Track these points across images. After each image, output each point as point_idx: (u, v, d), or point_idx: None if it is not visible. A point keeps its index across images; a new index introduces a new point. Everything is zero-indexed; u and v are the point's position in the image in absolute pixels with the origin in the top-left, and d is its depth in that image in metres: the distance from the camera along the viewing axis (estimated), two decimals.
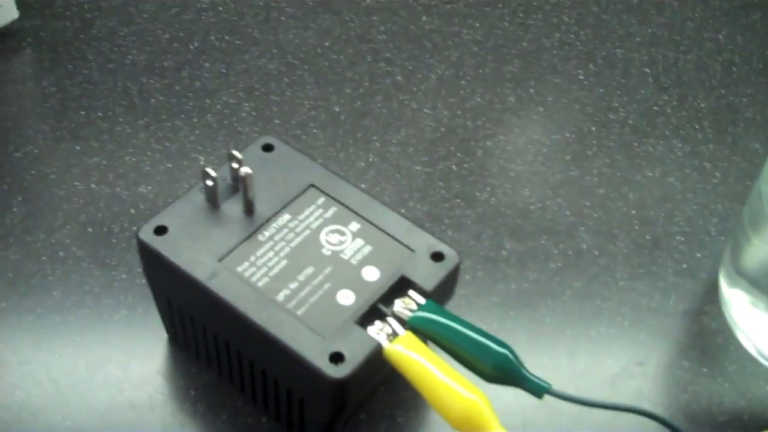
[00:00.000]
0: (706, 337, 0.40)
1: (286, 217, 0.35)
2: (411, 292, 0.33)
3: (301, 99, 0.49)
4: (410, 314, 0.33)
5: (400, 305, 0.33)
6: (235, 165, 0.35)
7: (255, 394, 0.35)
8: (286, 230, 0.34)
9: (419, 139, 0.47)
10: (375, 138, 0.47)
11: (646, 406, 0.37)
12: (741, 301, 0.38)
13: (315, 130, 0.47)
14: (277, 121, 0.47)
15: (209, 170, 0.34)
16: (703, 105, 0.50)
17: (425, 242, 0.35)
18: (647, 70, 0.52)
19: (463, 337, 0.32)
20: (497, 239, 0.43)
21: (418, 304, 0.33)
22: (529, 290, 0.41)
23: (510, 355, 0.31)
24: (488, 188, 0.45)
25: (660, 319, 0.40)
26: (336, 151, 0.46)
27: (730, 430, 0.37)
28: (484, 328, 0.38)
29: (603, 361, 0.39)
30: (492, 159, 0.47)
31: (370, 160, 0.46)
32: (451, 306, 0.38)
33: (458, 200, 0.44)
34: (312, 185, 0.36)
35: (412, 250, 0.34)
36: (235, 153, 0.35)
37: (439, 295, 0.34)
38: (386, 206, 0.36)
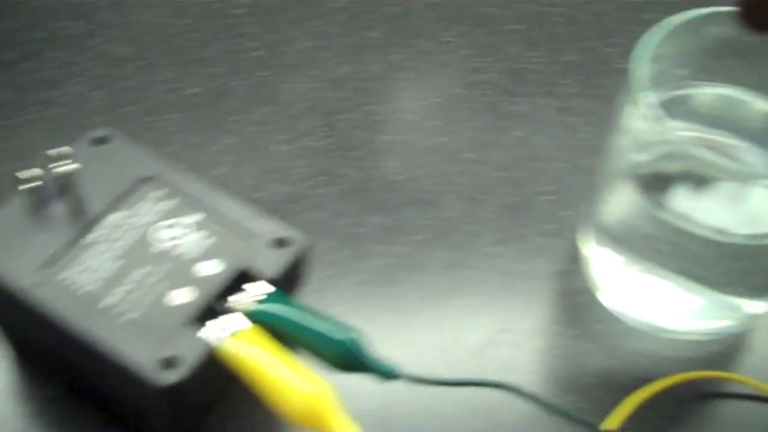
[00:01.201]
0: (573, 298, 0.39)
1: (118, 215, 0.33)
2: (255, 284, 0.32)
3: (155, 83, 0.46)
4: (253, 307, 0.31)
5: (243, 298, 0.32)
6: (60, 162, 0.33)
7: (100, 406, 0.34)
8: (118, 229, 0.33)
9: (281, 116, 0.46)
10: (234, 119, 0.45)
11: (513, 375, 0.37)
12: (601, 259, 0.38)
13: (170, 115, 0.45)
14: (129, 108, 0.45)
15: (28, 172, 0.32)
16: (572, 59, 0.49)
17: (270, 228, 0.33)
18: (516, 27, 0.51)
19: (305, 328, 0.31)
20: (362, 215, 0.42)
21: (263, 295, 0.32)
22: (395, 265, 0.40)
23: (350, 343, 0.30)
24: (353, 162, 0.44)
25: (526, 283, 0.39)
26: (192, 136, 0.44)
27: (600, 392, 0.36)
28: (346, 309, 0.37)
29: (468, 333, 0.38)
30: (357, 131, 0.45)
31: (228, 142, 0.44)
32: (312, 289, 0.37)
33: (321, 177, 0.43)
34: (149, 178, 0.34)
35: (256, 239, 0.33)
36: (56, 151, 0.33)
37: (287, 283, 0.33)
38: (229, 195, 0.34)
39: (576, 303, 0.39)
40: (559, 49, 0.49)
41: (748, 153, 0.37)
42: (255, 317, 0.31)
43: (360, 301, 0.39)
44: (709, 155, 0.31)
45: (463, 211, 0.42)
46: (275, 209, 0.41)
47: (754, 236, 0.33)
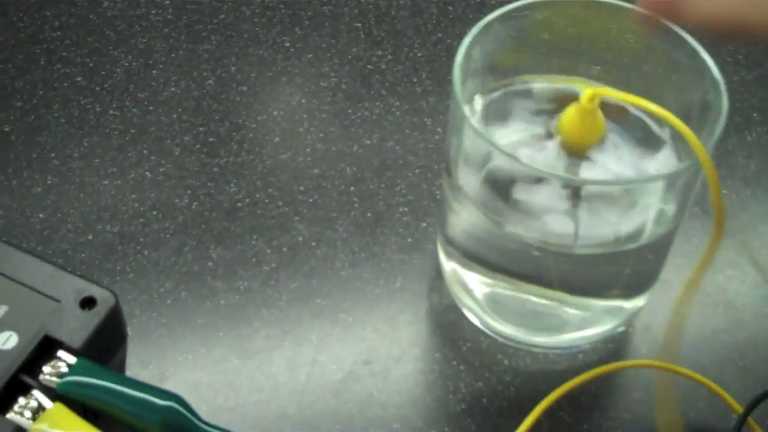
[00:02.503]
0: (437, 317, 0.36)
1: None
2: (60, 353, 0.28)
3: None
4: (58, 381, 0.27)
5: (47, 371, 0.28)
6: None
7: None
8: None
9: (106, 148, 0.41)
10: (53, 155, 0.41)
11: (377, 409, 0.33)
12: (458, 272, 0.35)
13: None
14: None
15: None
16: (420, 54, 0.46)
17: (73, 287, 0.29)
18: (358, 24, 0.47)
19: (122, 397, 0.27)
20: (202, 249, 0.38)
21: (69, 366, 0.28)
22: (240, 302, 0.36)
23: (178, 406, 0.27)
24: (189, 191, 0.40)
25: (386, 306, 0.36)
26: (7, 179, 0.40)
27: (468, 419, 0.34)
28: (187, 359, 0.33)
29: (327, 368, 0.35)
30: (191, 156, 0.41)
31: (49, 182, 0.40)
32: (138, 344, 0.33)
33: (155, 212, 0.39)
34: None
35: (58, 301, 0.29)
36: None
37: (97, 348, 0.29)
38: (23, 251, 0.30)
39: (441, 322, 0.36)
40: (404, 44, 0.46)
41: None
42: (62, 392, 0.27)
43: (204, 347, 0.35)
44: (533, 167, 0.28)
45: (313, 233, 0.39)
46: (106, 253, 0.37)
47: (598, 245, 0.30)
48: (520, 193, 0.30)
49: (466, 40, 0.31)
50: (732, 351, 0.36)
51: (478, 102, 0.33)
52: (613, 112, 0.32)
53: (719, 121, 0.29)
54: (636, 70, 0.33)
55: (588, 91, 0.30)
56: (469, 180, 0.31)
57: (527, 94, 0.34)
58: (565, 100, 0.33)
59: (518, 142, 0.33)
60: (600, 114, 0.31)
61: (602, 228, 0.30)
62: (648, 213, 0.30)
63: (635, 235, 0.30)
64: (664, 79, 0.32)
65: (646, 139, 0.33)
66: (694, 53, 0.30)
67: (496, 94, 0.34)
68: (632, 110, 0.33)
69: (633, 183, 0.30)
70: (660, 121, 0.33)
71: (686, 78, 0.31)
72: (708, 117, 0.30)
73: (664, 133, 0.33)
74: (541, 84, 0.34)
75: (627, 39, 0.32)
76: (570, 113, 0.31)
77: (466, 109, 0.29)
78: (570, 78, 0.34)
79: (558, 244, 0.30)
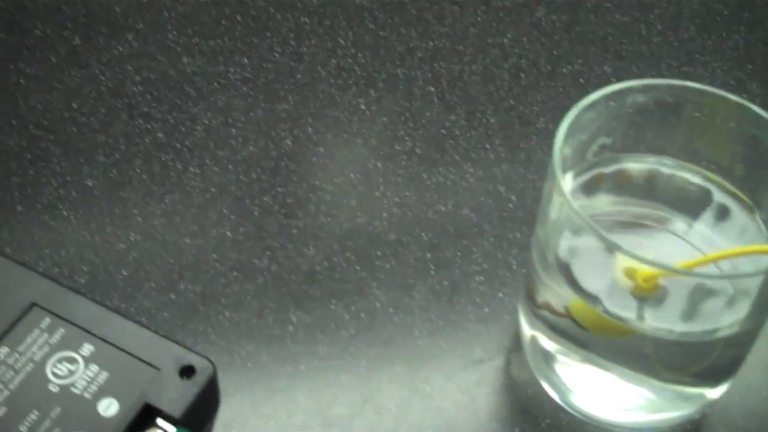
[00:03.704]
0: (516, 390, 0.36)
1: (2, 351, 0.29)
2: (159, 421, 0.28)
3: (48, 176, 0.42)
4: None
5: None
6: None
7: None
8: (3, 368, 0.29)
9: (187, 206, 0.42)
10: (136, 212, 0.42)
11: None
12: (542, 345, 0.35)
13: (65, 212, 0.41)
14: (19, 208, 0.41)
15: None
16: (492, 120, 0.47)
17: (172, 355, 0.30)
18: (431, 89, 0.48)
19: None
20: (282, 312, 0.38)
21: None
22: (320, 368, 0.37)
23: None
24: (268, 252, 0.40)
25: (464, 378, 0.37)
26: (90, 235, 0.40)
27: None
28: (271, 423, 0.33)
29: None
30: (271, 217, 0.42)
31: (132, 239, 0.40)
32: (221, 407, 0.34)
33: (235, 273, 0.40)
34: (34, 304, 0.31)
35: (157, 369, 0.29)
36: None
37: (195, 417, 0.29)
38: (123, 317, 0.31)
39: (521, 397, 0.36)
40: (477, 110, 0.47)
41: (679, 224, 0.35)
42: None
43: (285, 414, 0.35)
44: (634, 254, 0.28)
45: (390, 300, 0.39)
46: (188, 313, 0.38)
47: (692, 333, 0.31)
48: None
49: (564, 126, 0.31)
50: None
51: (569, 180, 0.34)
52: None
53: None
54: (736, 158, 0.33)
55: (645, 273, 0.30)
56: (563, 255, 0.32)
57: (619, 173, 0.34)
58: (655, 178, 0.34)
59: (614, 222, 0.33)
60: None
61: (703, 319, 0.30)
62: (729, 311, 0.30)
63: (733, 324, 0.30)
64: (761, 169, 0.32)
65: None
66: None
67: (589, 174, 0.34)
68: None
69: (742, 277, 0.30)
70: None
71: None
72: None
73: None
74: (632, 164, 0.35)
75: (727, 126, 0.33)
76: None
77: (569, 196, 0.29)
78: (661, 158, 0.34)
79: (656, 330, 0.30)
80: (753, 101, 0.32)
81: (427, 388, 0.36)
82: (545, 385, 0.36)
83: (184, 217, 0.41)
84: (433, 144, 0.45)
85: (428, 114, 0.47)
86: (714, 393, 0.34)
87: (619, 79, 0.50)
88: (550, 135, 0.46)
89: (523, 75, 0.49)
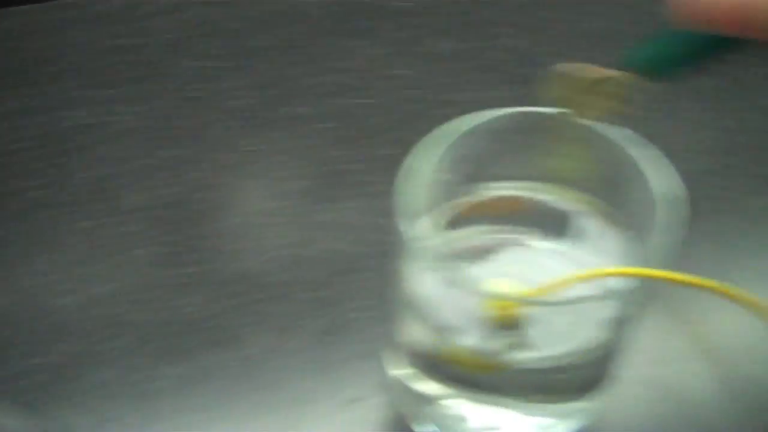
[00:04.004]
0: (389, 429, 0.35)
1: None
2: None
3: None
4: None
5: None
6: None
7: None
8: None
9: (63, 263, 0.41)
10: (10, 272, 0.40)
11: None
12: (404, 383, 0.34)
13: None
14: None
15: None
16: (382, 153, 0.46)
17: None
18: (320, 125, 0.47)
19: None
20: (153, 367, 0.37)
21: None
22: (195, 421, 0.35)
23: None
24: (141, 306, 0.39)
25: (339, 419, 0.35)
26: None
27: None
28: None
29: None
30: (148, 269, 0.41)
31: (3, 301, 0.39)
32: None
33: (110, 329, 0.38)
34: None
35: None
36: None
37: None
38: None
39: None
40: (372, 143, 0.46)
41: (545, 246, 0.34)
42: None
43: None
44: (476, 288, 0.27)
45: (270, 344, 0.38)
46: (57, 374, 0.37)
47: (552, 357, 0.29)
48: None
49: (409, 161, 0.30)
50: None
51: (426, 218, 0.33)
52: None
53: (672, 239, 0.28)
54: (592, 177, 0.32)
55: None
56: (414, 290, 0.31)
57: (481, 203, 0.34)
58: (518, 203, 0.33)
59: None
60: None
61: (553, 344, 0.29)
62: (593, 330, 0.29)
63: (579, 352, 0.29)
64: (625, 185, 0.31)
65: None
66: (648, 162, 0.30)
67: (446, 207, 0.33)
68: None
69: (583, 301, 0.29)
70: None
71: (645, 187, 0.30)
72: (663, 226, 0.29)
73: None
74: (489, 194, 0.34)
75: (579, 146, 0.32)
76: None
77: (406, 229, 0.28)
78: (522, 183, 0.33)
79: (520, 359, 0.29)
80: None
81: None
82: (413, 422, 0.35)
83: (62, 275, 0.40)
84: (319, 180, 0.44)
85: (323, 151, 0.46)
86: (580, 406, 0.33)
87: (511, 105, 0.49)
88: None
89: (413, 105, 0.48)
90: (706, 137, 0.45)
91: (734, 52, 0.25)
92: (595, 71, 0.28)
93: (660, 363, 0.37)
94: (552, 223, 0.34)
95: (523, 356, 0.30)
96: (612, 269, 0.31)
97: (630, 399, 0.35)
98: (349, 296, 0.39)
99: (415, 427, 0.35)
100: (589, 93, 0.29)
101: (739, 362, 0.37)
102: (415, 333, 0.31)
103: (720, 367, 0.37)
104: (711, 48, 0.25)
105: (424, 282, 0.30)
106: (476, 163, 0.34)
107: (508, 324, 0.30)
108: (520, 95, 0.48)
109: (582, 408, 0.32)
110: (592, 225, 0.33)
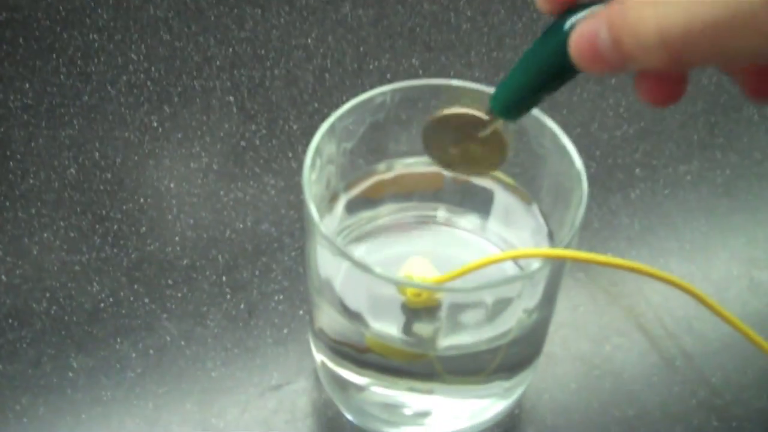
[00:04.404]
0: (316, 414, 0.34)
1: None
2: None
3: None
4: None
5: None
6: None
7: None
8: None
9: None
10: None
11: None
12: (329, 367, 0.33)
13: None
14: None
15: None
16: (295, 127, 0.44)
17: None
18: (231, 99, 0.45)
19: None
20: (61, 358, 0.35)
21: None
22: (103, 414, 0.34)
23: None
24: (47, 294, 0.37)
25: (260, 407, 0.34)
26: None
27: None
28: None
29: None
30: (51, 254, 0.39)
31: None
32: None
33: (9, 320, 0.36)
34: None
35: None
36: None
37: None
38: None
39: (321, 421, 0.34)
40: (280, 117, 0.45)
41: (471, 223, 0.33)
42: None
43: None
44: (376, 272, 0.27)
45: (182, 331, 0.36)
46: None
47: (462, 346, 0.29)
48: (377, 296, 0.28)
49: (313, 143, 0.29)
50: (623, 426, 0.34)
51: (342, 198, 0.32)
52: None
53: (579, 213, 0.27)
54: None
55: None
56: (329, 276, 0.30)
57: (399, 178, 0.33)
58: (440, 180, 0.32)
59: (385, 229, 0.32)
60: None
61: (464, 334, 0.29)
62: (513, 312, 0.28)
63: (502, 335, 0.29)
64: (535, 161, 0.31)
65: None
66: (556, 138, 0.29)
67: (361, 186, 0.32)
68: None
69: (490, 287, 0.28)
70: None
71: (554, 162, 0.30)
72: (572, 201, 0.28)
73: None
74: (405, 170, 0.33)
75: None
76: None
77: (314, 213, 0.27)
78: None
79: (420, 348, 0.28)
80: None
81: (220, 424, 0.34)
82: (341, 408, 0.34)
83: None
84: (231, 158, 0.43)
85: (227, 126, 0.44)
86: (510, 384, 0.33)
87: (427, 72, 0.48)
88: None
89: (327, 75, 0.47)
90: (634, 102, 0.45)
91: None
92: (462, 116, 0.27)
93: (595, 339, 0.37)
94: (471, 200, 0.33)
95: (445, 342, 0.29)
96: (523, 251, 0.30)
97: (567, 376, 0.35)
98: (264, 278, 0.38)
99: (346, 414, 0.34)
100: (463, 141, 0.28)
101: (674, 337, 0.37)
102: (332, 319, 0.30)
103: (655, 343, 0.37)
104: (558, 80, 0.24)
105: (337, 267, 0.29)
106: (392, 137, 0.33)
107: (425, 309, 0.29)
108: (437, 61, 0.48)
109: (512, 387, 0.32)
110: (509, 201, 0.32)
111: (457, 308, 0.29)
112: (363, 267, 0.26)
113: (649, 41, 0.20)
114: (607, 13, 0.21)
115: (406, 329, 0.29)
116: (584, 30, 0.21)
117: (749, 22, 0.18)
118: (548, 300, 0.30)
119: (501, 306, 0.29)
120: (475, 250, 0.33)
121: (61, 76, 0.46)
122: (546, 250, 0.28)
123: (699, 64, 0.20)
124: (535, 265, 0.27)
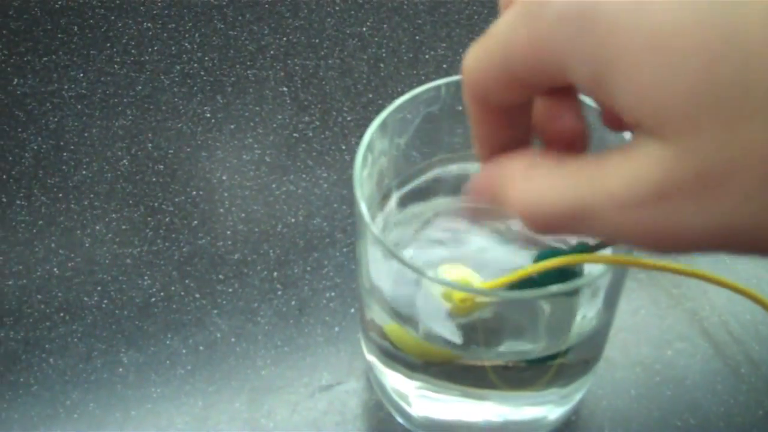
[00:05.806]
0: (367, 416, 0.34)
1: None
2: None
3: None
4: None
5: None
6: None
7: None
8: None
9: (12, 243, 0.39)
10: None
11: None
12: (379, 369, 0.32)
13: None
14: None
15: None
16: (349, 118, 0.44)
17: None
18: (284, 89, 0.45)
19: None
20: (112, 353, 0.35)
21: None
22: (153, 411, 0.34)
23: None
24: (98, 287, 0.37)
25: (310, 407, 0.34)
26: None
27: None
28: None
29: None
30: (103, 247, 0.39)
31: None
32: None
33: (61, 314, 0.36)
34: None
35: None
36: None
37: None
38: None
39: (371, 423, 0.33)
40: (334, 108, 0.44)
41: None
42: None
43: None
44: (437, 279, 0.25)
45: (232, 327, 0.36)
46: (9, 363, 0.35)
47: (520, 353, 0.28)
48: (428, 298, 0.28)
49: (365, 140, 0.28)
50: None
51: (394, 197, 0.31)
52: None
53: None
54: None
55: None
56: (380, 281, 0.29)
57: (444, 179, 0.32)
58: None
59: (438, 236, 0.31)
60: None
61: (518, 342, 0.28)
62: (571, 319, 0.27)
63: (558, 343, 0.28)
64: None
65: None
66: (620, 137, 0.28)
67: (412, 184, 0.31)
68: None
69: (552, 295, 0.27)
70: None
71: None
72: None
73: None
74: (457, 166, 0.32)
75: None
76: None
77: (365, 213, 0.26)
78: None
79: (479, 352, 0.27)
80: None
81: (269, 424, 0.33)
82: (391, 410, 0.33)
83: (7, 257, 0.38)
84: (283, 150, 0.42)
85: (279, 117, 0.44)
86: (566, 392, 0.31)
87: None
88: None
89: (382, 65, 0.46)
90: None
91: None
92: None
93: (656, 344, 0.35)
94: None
95: (497, 350, 0.28)
96: (586, 256, 0.29)
97: (626, 382, 0.34)
98: (315, 274, 0.38)
99: (397, 417, 0.33)
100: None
101: (740, 343, 0.36)
102: (383, 321, 0.30)
103: (720, 348, 0.35)
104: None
105: (387, 268, 0.28)
106: (446, 130, 0.32)
107: (477, 315, 0.28)
108: None
109: (569, 394, 0.31)
110: None
111: (511, 315, 0.28)
112: (415, 269, 0.25)
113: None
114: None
115: (457, 335, 0.28)
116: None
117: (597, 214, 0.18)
118: (609, 306, 0.28)
119: (559, 313, 0.28)
120: (523, 255, 0.32)
121: (115, 66, 0.46)
122: (610, 256, 0.27)
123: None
124: (596, 271, 0.26)
